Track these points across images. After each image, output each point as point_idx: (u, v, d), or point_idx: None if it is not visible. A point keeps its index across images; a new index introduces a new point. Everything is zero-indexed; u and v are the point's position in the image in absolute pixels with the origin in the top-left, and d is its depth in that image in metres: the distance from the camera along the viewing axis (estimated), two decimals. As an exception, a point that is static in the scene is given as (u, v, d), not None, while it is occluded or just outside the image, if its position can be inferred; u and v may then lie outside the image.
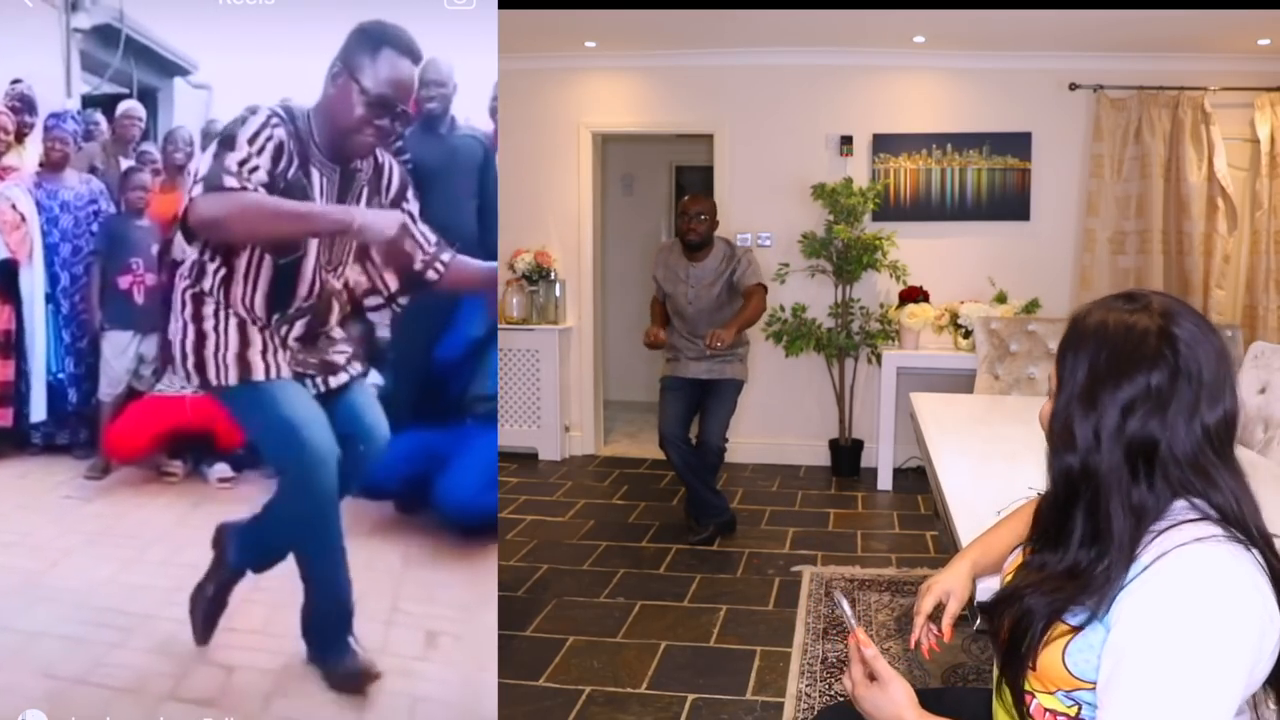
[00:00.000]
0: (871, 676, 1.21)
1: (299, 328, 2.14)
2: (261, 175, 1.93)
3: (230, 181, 1.90)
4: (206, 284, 2.07)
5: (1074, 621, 1.09)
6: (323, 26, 2.18)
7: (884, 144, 5.30)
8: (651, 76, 5.49)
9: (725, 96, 5.41)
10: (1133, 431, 1.08)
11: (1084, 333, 1.13)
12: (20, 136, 3.37)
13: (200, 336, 2.08)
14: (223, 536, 2.22)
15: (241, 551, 2.19)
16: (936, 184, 5.29)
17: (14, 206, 3.22)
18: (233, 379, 2.07)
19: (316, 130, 2.02)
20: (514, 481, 5.12)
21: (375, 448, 2.19)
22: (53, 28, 3.48)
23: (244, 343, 2.08)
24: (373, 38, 1.98)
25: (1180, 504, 1.09)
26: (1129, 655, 1.03)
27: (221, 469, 3.21)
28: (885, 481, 5.06)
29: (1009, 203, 5.28)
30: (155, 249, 3.33)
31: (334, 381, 2.18)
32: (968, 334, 5.00)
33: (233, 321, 2.08)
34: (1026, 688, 1.14)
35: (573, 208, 5.65)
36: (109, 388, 3.30)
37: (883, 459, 5.09)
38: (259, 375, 2.07)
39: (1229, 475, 1.09)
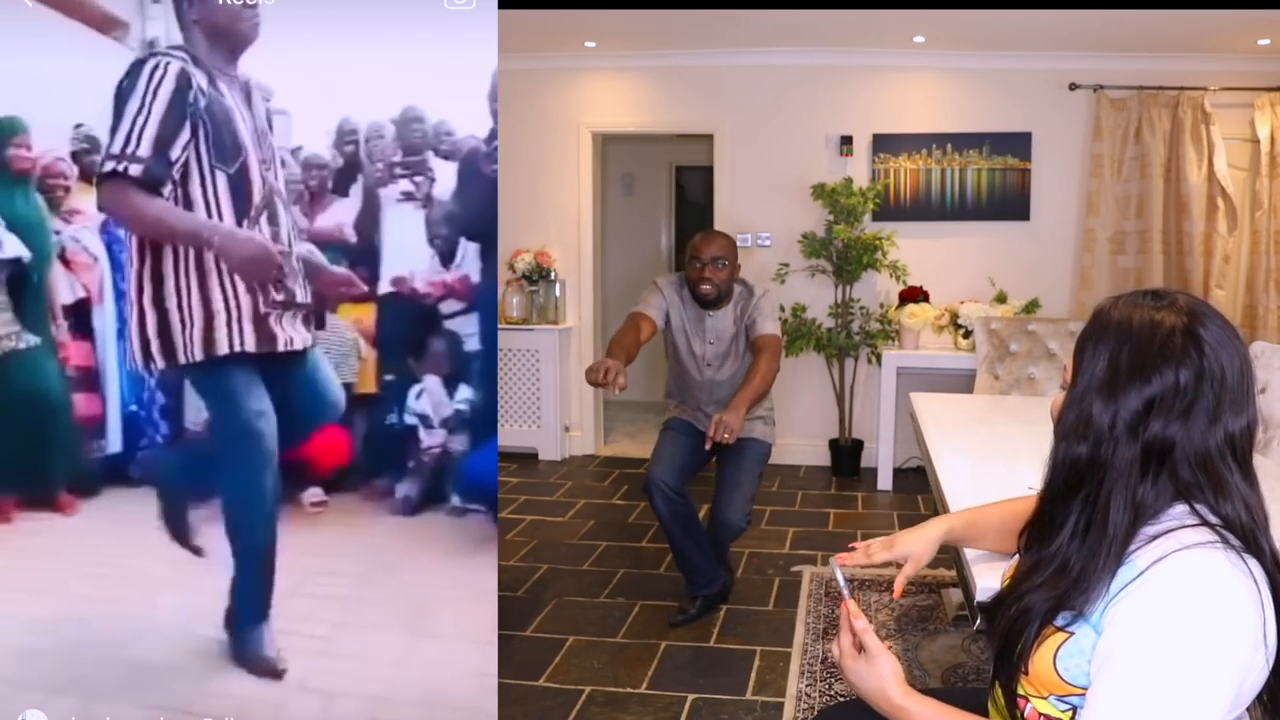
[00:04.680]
0: (860, 647, 1.20)
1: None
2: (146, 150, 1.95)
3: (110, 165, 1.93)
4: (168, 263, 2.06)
5: (1061, 622, 1.08)
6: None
7: (884, 144, 5.30)
8: (651, 76, 5.49)
9: (725, 96, 5.41)
10: (1154, 429, 1.07)
11: (1107, 325, 1.12)
12: (87, 178, 3.39)
13: (163, 316, 2.04)
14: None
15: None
16: (936, 184, 5.29)
17: (86, 249, 3.25)
18: (199, 355, 2.04)
19: (205, 50, 2.06)
20: (514, 481, 5.12)
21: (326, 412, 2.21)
22: (119, 70, 3.52)
23: (208, 316, 2.05)
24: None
25: (1181, 509, 1.08)
26: (1117, 657, 1.02)
27: (314, 493, 3.12)
28: (885, 481, 5.06)
29: (1009, 203, 5.28)
30: None
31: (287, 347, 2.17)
32: (968, 334, 5.00)
33: (195, 297, 2.05)
34: (1020, 691, 1.14)
35: (573, 208, 5.65)
36: (194, 418, 3.25)
37: (883, 459, 5.09)
38: (224, 349, 2.05)
39: (1244, 485, 1.08)
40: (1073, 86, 5.17)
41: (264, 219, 2.09)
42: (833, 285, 5.26)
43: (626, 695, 2.77)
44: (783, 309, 5.23)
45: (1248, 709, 1.10)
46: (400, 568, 2.72)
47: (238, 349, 2.07)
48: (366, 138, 3.47)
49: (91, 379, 3.29)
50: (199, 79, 1.97)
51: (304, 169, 3.52)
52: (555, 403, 5.60)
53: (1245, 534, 1.05)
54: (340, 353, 3.32)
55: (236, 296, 2.06)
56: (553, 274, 5.58)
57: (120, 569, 2.68)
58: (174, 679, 2.12)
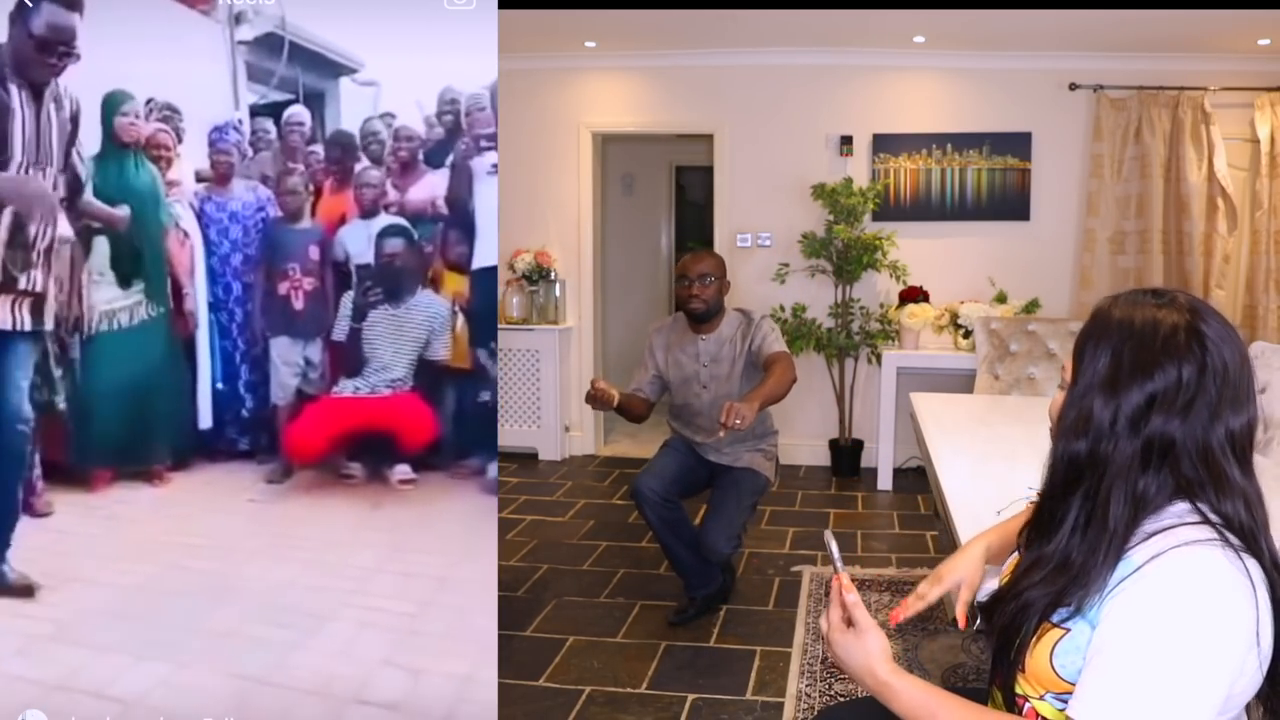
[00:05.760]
0: (849, 622, 1.18)
1: None
2: None
3: None
4: None
5: (1058, 619, 1.08)
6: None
7: (884, 144, 5.30)
8: (651, 76, 5.49)
9: (725, 96, 5.41)
10: (1155, 425, 1.06)
11: (1108, 324, 1.11)
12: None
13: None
14: None
15: None
16: (936, 184, 5.29)
17: (177, 224, 3.28)
18: None
19: (6, 56, 2.23)
20: (514, 481, 5.12)
21: None
22: (217, 42, 3.58)
23: None
24: None
25: (1181, 506, 1.07)
26: (1110, 649, 1.02)
27: (403, 470, 3.14)
28: (885, 481, 5.06)
29: (1009, 203, 5.28)
30: (315, 252, 3.32)
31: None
32: (968, 334, 5.00)
33: None
34: (1019, 691, 1.14)
35: (573, 208, 5.65)
36: (280, 393, 3.31)
37: (883, 459, 5.09)
38: None
39: (1244, 483, 1.07)
40: (1073, 86, 5.17)
41: (9, 211, 2.24)
42: (833, 285, 5.26)
43: (626, 695, 2.77)
44: (782, 309, 5.23)
45: (1245, 708, 1.10)
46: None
47: None
48: (467, 110, 3.44)
49: (187, 354, 3.33)
50: None
51: (394, 140, 3.50)
52: (555, 403, 5.60)
53: (1245, 532, 1.05)
54: (430, 327, 3.28)
55: None
56: (553, 274, 5.58)
57: (208, 539, 2.71)
58: (258, 650, 2.12)
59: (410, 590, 2.41)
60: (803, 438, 5.46)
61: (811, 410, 5.46)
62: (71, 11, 2.21)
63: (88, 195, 2.65)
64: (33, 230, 2.27)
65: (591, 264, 5.69)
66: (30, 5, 2.18)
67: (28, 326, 2.29)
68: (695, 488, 3.38)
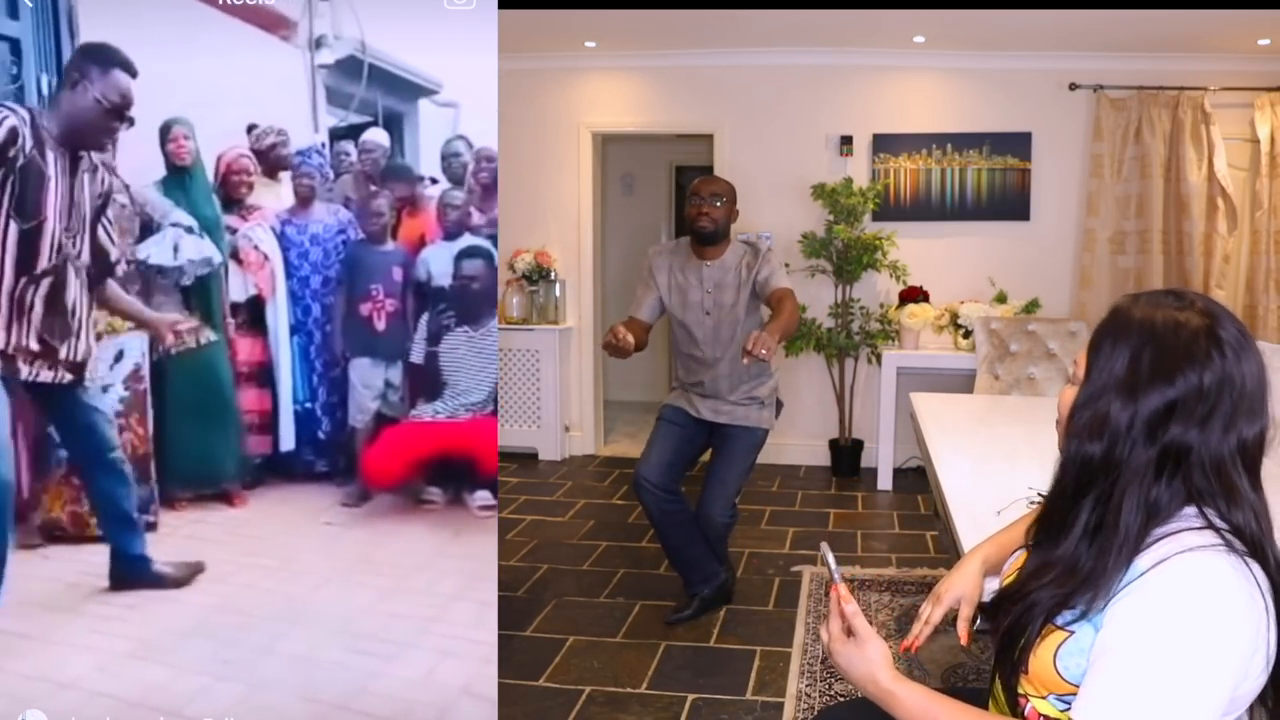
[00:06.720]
0: (849, 632, 1.19)
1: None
2: None
3: None
4: None
5: (1062, 621, 1.08)
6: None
7: (884, 144, 5.30)
8: (651, 76, 5.49)
9: (725, 96, 5.41)
10: (1174, 433, 1.06)
11: (1128, 324, 1.10)
12: (274, 172, 3.43)
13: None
14: None
15: None
16: (936, 184, 5.29)
17: (256, 247, 3.29)
18: None
19: (53, 122, 2.24)
20: (514, 481, 5.12)
21: None
22: (298, 67, 3.60)
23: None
24: (104, 58, 2.24)
25: (1189, 510, 1.07)
26: (1114, 652, 1.02)
27: (483, 496, 3.09)
28: (885, 481, 5.06)
29: (1009, 203, 5.28)
30: (398, 274, 3.32)
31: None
32: (968, 334, 5.00)
33: None
34: (1021, 691, 1.14)
35: (573, 208, 5.65)
36: (359, 415, 3.29)
37: (883, 459, 5.09)
38: None
39: (1252, 493, 1.07)
40: (1073, 86, 5.17)
41: (47, 281, 2.24)
42: (833, 285, 5.26)
43: (626, 695, 2.77)
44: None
45: (1248, 709, 1.10)
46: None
47: None
48: None
49: (265, 376, 3.33)
50: (27, 139, 2.15)
51: (475, 162, 3.50)
52: (555, 403, 5.60)
53: (1253, 542, 1.05)
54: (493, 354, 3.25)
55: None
56: (553, 274, 5.58)
57: (284, 562, 2.70)
58: (336, 674, 2.11)
59: (488, 618, 2.38)
60: (803, 438, 5.46)
61: (811, 410, 5.46)
62: (132, 77, 2.26)
63: (115, 289, 2.56)
64: (70, 297, 2.30)
65: (591, 264, 5.69)
66: (99, 73, 2.22)
67: (67, 379, 2.32)
68: (695, 457, 3.33)
